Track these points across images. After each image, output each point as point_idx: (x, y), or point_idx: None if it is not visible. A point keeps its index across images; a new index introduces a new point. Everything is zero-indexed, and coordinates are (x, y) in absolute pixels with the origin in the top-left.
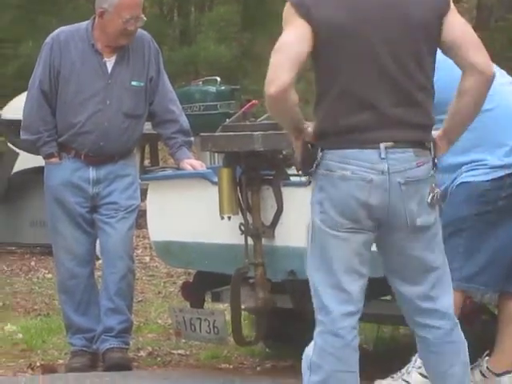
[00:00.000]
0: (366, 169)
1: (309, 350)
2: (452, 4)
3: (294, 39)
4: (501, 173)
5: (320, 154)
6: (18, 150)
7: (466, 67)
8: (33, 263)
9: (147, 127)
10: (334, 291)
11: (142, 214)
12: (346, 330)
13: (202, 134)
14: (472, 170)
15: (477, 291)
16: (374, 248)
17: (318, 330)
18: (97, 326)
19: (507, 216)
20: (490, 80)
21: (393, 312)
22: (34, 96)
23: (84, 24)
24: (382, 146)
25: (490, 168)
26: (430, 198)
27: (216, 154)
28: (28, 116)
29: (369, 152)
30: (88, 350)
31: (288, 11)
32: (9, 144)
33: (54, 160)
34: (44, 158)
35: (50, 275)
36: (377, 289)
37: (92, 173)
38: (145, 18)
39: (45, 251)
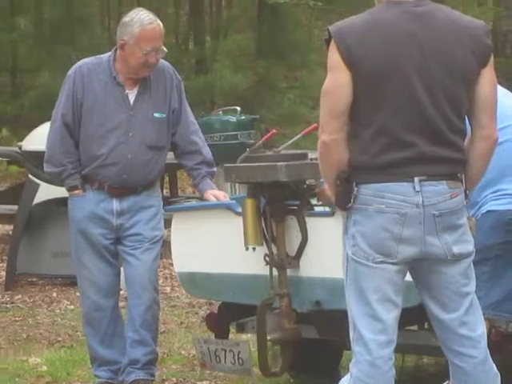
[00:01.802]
0: (401, 202)
1: (344, 381)
2: (492, 57)
3: (339, 87)
4: None
5: (355, 188)
6: (38, 181)
7: (476, 127)
8: (55, 294)
9: (167, 156)
10: (370, 321)
11: (162, 244)
12: (383, 360)
13: (225, 164)
14: (497, 199)
15: (502, 319)
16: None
17: (354, 360)
18: (122, 358)
19: None
20: (495, 143)
21: (417, 342)
22: (57, 129)
23: (106, 56)
24: (416, 179)
25: None
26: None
27: (237, 185)
28: (51, 149)
29: (403, 185)
30: (113, 382)
31: (332, 52)
32: (30, 175)
33: (77, 192)
34: (68, 191)
35: (72, 306)
36: (402, 319)
37: (116, 204)
38: (166, 50)
39: (66, 282)
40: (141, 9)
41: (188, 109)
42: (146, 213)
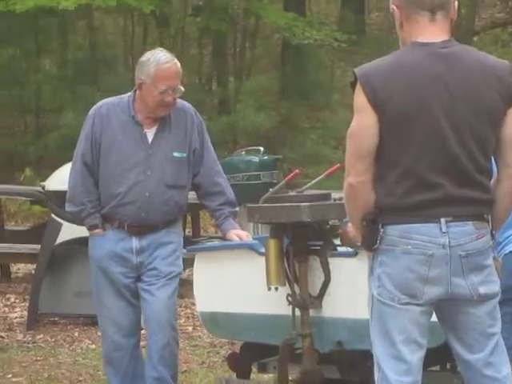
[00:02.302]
0: (427, 243)
1: None
2: None
3: (365, 129)
4: None
5: (381, 229)
6: (61, 221)
7: (502, 166)
8: (76, 334)
9: (190, 195)
10: (395, 362)
11: (183, 284)
12: None
13: (248, 205)
14: None
15: None
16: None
17: None
18: None
19: None
20: None
21: (439, 382)
22: (77, 169)
23: (126, 96)
24: (442, 220)
25: None
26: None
27: (260, 225)
28: (72, 188)
29: (430, 226)
30: None
31: (358, 95)
32: (52, 215)
33: (97, 231)
34: (88, 230)
35: (93, 346)
36: (424, 359)
37: (135, 242)
38: (183, 89)
39: (88, 322)
40: (159, 49)
41: (211, 149)
42: (164, 249)
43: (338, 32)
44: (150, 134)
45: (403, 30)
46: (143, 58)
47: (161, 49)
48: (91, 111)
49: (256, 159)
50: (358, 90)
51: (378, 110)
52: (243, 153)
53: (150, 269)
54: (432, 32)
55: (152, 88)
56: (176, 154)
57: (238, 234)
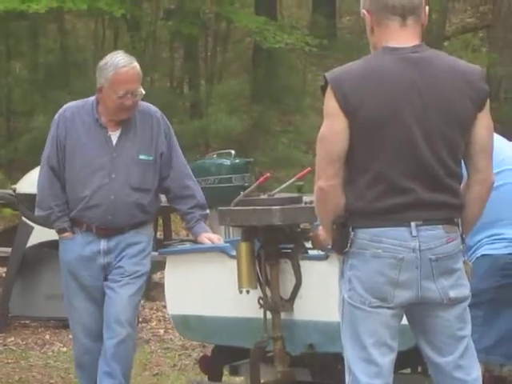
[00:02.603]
0: (398, 247)
1: None
2: (488, 101)
3: (335, 134)
4: None
5: (352, 233)
6: (32, 224)
7: (472, 171)
8: (47, 337)
9: (161, 199)
10: (365, 365)
11: (155, 287)
12: None
13: (219, 208)
14: (492, 243)
15: (496, 363)
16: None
17: None
18: None
19: None
20: (491, 186)
21: None
22: (44, 173)
23: (91, 99)
24: (412, 224)
25: (509, 241)
26: (463, 271)
27: (231, 228)
28: (40, 192)
29: (400, 230)
30: None
31: (329, 99)
32: (23, 218)
33: (66, 235)
34: (57, 233)
35: (64, 349)
36: (396, 362)
37: (103, 244)
38: (143, 92)
39: (59, 324)
40: (118, 52)
41: (179, 153)
42: (132, 249)
43: (309, 36)
44: (115, 136)
45: (374, 35)
46: (102, 62)
47: (119, 52)
48: (56, 115)
49: (227, 162)
50: (329, 94)
51: (349, 115)
52: (215, 156)
53: (116, 267)
54: (403, 37)
55: (111, 92)
56: (142, 157)
57: (209, 237)
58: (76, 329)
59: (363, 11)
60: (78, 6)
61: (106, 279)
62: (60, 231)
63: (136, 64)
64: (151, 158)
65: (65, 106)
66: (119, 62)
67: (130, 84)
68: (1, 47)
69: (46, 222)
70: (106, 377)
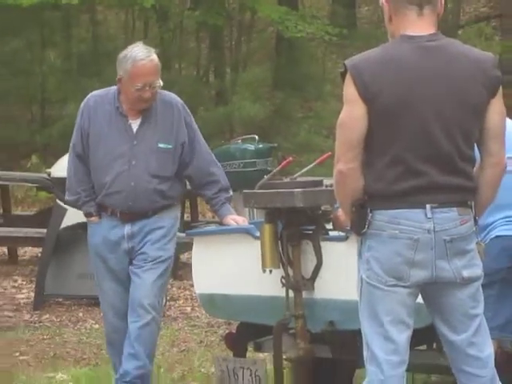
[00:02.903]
0: (413, 228)
1: None
2: (500, 88)
3: (354, 120)
4: None
5: (370, 214)
6: (65, 207)
7: (485, 155)
8: (81, 314)
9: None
10: (383, 342)
11: (182, 266)
12: (395, 380)
13: (244, 191)
14: (505, 224)
15: (507, 340)
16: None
17: (367, 379)
18: None
19: None
20: (504, 170)
21: (426, 361)
22: (71, 159)
23: (113, 88)
24: (428, 206)
25: None
26: (476, 251)
27: (255, 210)
28: (69, 178)
29: (416, 212)
30: None
31: (348, 86)
32: (57, 201)
33: (93, 219)
34: (85, 217)
35: (97, 326)
36: (411, 339)
37: (127, 228)
38: (161, 83)
39: (91, 302)
40: (138, 44)
41: (202, 141)
42: (154, 234)
43: (329, 26)
44: (135, 124)
45: (392, 24)
46: (122, 54)
47: (139, 44)
48: (82, 104)
49: (252, 147)
50: (348, 81)
51: (368, 102)
52: (239, 141)
53: (140, 253)
54: (419, 26)
55: (129, 84)
56: (161, 145)
57: (234, 218)
58: (105, 308)
59: (382, 1)
60: None
61: (130, 263)
62: (87, 215)
63: (154, 57)
64: (170, 146)
65: (89, 95)
66: (137, 54)
67: (147, 77)
68: (35, 37)
69: (75, 206)
70: (131, 358)
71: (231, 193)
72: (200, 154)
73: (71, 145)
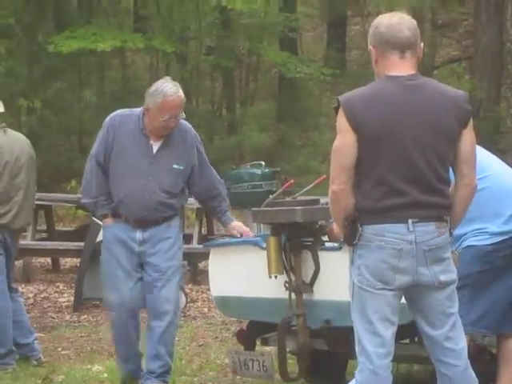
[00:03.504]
0: (397, 240)
1: None
2: (471, 120)
3: (346, 147)
4: (499, 238)
5: (360, 228)
6: (101, 223)
7: (458, 176)
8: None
9: None
10: (371, 337)
11: (200, 273)
12: (382, 369)
13: (253, 209)
14: (476, 235)
15: (479, 334)
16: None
17: (358, 368)
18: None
19: (504, 272)
20: (475, 189)
21: (409, 352)
22: (91, 166)
23: (138, 110)
24: (410, 221)
25: (490, 234)
26: (452, 259)
27: (262, 225)
28: (86, 182)
29: (399, 226)
30: None
31: (341, 118)
32: (93, 218)
33: (109, 220)
34: (101, 218)
35: None
36: (396, 334)
37: (139, 235)
38: (184, 115)
39: None
40: (166, 79)
41: (207, 162)
42: (164, 243)
43: (323, 67)
44: (156, 146)
45: (378, 66)
46: (153, 88)
47: (168, 79)
48: (107, 119)
49: (259, 171)
50: (341, 114)
51: (357, 131)
52: (248, 166)
53: (153, 264)
54: (401, 67)
55: (158, 115)
56: (175, 166)
57: (236, 224)
58: (113, 299)
59: (370, 47)
60: (136, 44)
61: (141, 266)
62: (103, 216)
63: (181, 93)
64: (182, 167)
65: (114, 114)
66: (168, 91)
67: (175, 110)
68: (74, 79)
69: (92, 209)
70: (155, 358)
71: (228, 200)
72: (207, 174)
73: (93, 153)
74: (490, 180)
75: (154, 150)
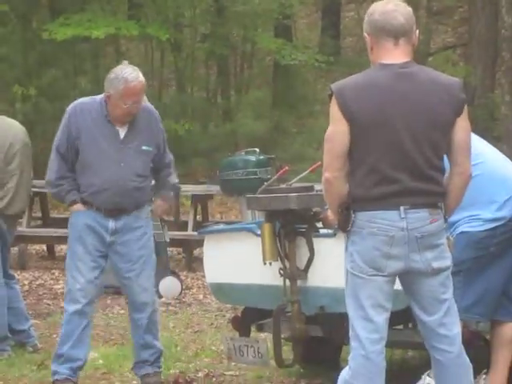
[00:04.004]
0: (389, 226)
1: (344, 372)
2: (465, 108)
3: (338, 135)
4: (493, 224)
5: (353, 215)
6: None
7: (453, 165)
8: (108, 301)
9: (200, 188)
10: (364, 322)
11: (195, 260)
12: (375, 354)
13: (247, 195)
14: (470, 222)
15: (473, 320)
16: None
17: (351, 354)
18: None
19: (497, 258)
20: (469, 177)
21: (403, 338)
22: (53, 157)
23: (99, 97)
24: (401, 208)
25: (484, 221)
26: (446, 245)
27: (256, 211)
28: (50, 172)
29: (391, 213)
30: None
31: (333, 106)
32: None
33: (77, 207)
34: (69, 206)
35: (122, 311)
36: (390, 320)
37: (111, 224)
38: (146, 99)
39: (117, 291)
40: (126, 65)
41: (167, 146)
42: (135, 233)
43: (318, 54)
44: (122, 131)
45: (372, 53)
46: (112, 74)
47: (127, 65)
48: (68, 108)
49: (253, 158)
50: (334, 102)
51: (349, 119)
52: (243, 153)
53: (124, 254)
54: (395, 55)
55: (120, 102)
56: (144, 148)
57: (158, 204)
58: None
59: (365, 34)
60: (130, 32)
61: (107, 256)
62: (71, 203)
63: (142, 77)
64: (151, 149)
65: (76, 102)
66: (128, 77)
67: (137, 96)
68: (69, 66)
69: (58, 198)
70: (144, 347)
71: (172, 182)
72: (164, 151)
73: (55, 145)
74: (482, 167)
75: (122, 136)
